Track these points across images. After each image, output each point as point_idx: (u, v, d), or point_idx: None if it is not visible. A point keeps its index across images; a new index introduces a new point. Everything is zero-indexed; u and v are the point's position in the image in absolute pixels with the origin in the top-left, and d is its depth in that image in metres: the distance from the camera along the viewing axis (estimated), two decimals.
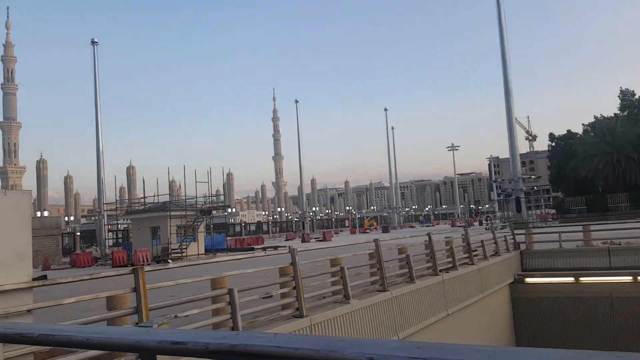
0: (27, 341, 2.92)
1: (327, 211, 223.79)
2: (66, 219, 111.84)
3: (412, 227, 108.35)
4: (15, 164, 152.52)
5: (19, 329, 2.97)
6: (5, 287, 5.86)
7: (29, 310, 6.13)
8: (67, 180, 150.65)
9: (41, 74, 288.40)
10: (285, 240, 67.66)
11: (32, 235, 6.33)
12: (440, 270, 16.94)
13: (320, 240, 58.37)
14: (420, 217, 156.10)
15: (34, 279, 6.54)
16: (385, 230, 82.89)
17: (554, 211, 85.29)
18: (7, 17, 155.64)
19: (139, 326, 5.01)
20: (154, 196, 45.93)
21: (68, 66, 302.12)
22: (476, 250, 21.29)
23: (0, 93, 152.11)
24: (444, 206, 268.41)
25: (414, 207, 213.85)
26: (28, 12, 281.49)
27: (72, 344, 2.61)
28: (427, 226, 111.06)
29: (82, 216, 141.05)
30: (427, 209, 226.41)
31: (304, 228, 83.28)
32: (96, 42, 49.33)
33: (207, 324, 8.20)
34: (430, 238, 16.81)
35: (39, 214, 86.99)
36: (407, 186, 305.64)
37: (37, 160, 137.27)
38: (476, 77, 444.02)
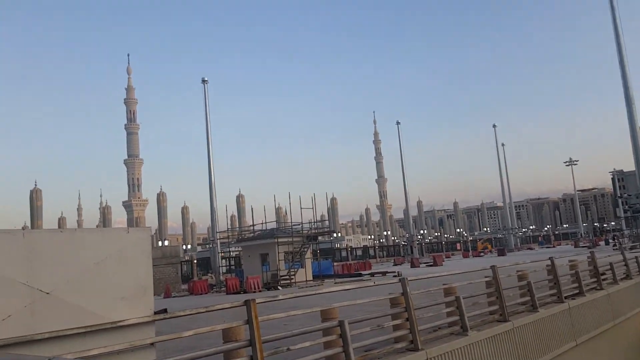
0: None
1: (435, 234, 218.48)
2: (184, 247, 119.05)
3: (531, 249, 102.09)
4: (138, 197, 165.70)
5: None
6: (130, 321, 6.12)
7: (152, 344, 6.35)
8: (184, 211, 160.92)
9: (158, 111, 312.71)
10: (394, 265, 66.59)
11: (154, 264, 6.70)
12: (565, 297, 15.60)
13: (431, 265, 56.65)
14: (539, 237, 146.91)
15: (155, 312, 6.80)
16: (501, 253, 78.88)
17: None
18: (128, 63, 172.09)
19: None
20: (262, 223, 47.49)
21: (182, 101, 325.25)
22: (604, 273, 19.44)
23: (124, 133, 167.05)
24: (564, 225, 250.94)
25: (531, 227, 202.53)
26: (143, 55, 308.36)
27: None
28: (547, 247, 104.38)
29: (198, 244, 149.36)
30: (545, 228, 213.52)
31: (412, 252, 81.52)
32: (206, 81, 52.60)
33: (319, 357, 8.04)
34: (553, 262, 15.56)
35: (160, 243, 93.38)
36: (522, 205, 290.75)
37: (157, 194, 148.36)
38: (592, 86, 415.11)
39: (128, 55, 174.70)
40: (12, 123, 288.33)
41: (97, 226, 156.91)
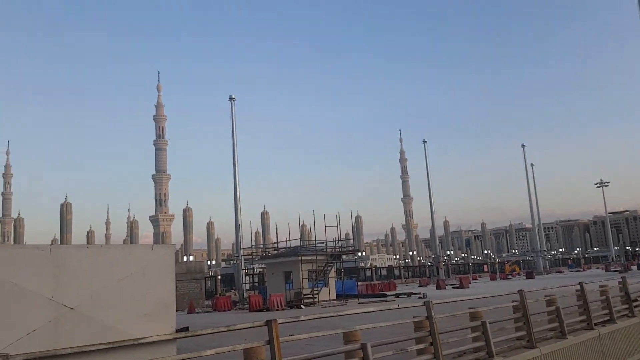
0: None
1: (462, 255, 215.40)
2: (208, 262, 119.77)
3: (560, 272, 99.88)
4: (165, 212, 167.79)
5: None
6: (151, 338, 6.13)
7: None
8: (209, 227, 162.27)
9: (185, 126, 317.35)
10: (419, 287, 65.69)
11: (178, 279, 6.77)
12: (595, 324, 15.12)
13: (457, 287, 55.73)
14: (569, 261, 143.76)
15: (177, 330, 6.83)
16: (529, 276, 77.21)
17: None
18: (158, 81, 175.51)
19: None
20: (286, 241, 47.49)
21: (208, 118, 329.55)
22: (637, 299, 18.80)
23: (153, 149, 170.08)
24: (595, 248, 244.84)
25: (560, 250, 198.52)
26: (172, 71, 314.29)
27: None
28: (576, 271, 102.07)
29: (222, 260, 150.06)
30: (575, 251, 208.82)
31: (438, 273, 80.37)
32: (233, 98, 53.24)
33: None
34: (582, 287, 15.13)
35: (185, 258, 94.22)
36: (551, 227, 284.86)
37: (183, 209, 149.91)
38: (625, 106, 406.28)
39: (158, 73, 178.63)
40: (44, 137, 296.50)
41: (124, 240, 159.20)
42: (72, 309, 5.79)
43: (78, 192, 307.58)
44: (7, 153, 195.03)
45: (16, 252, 5.68)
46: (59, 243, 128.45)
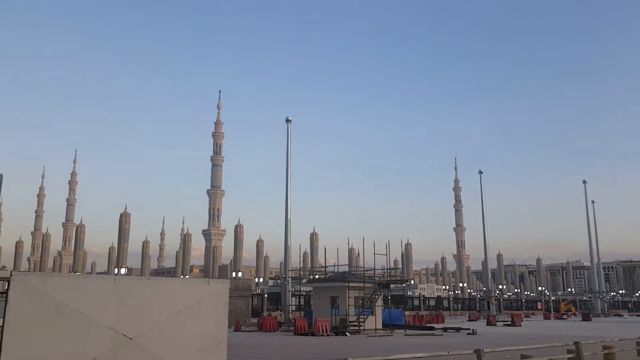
0: None
1: (515, 290, 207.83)
2: (256, 280, 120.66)
3: (619, 315, 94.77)
4: (217, 227, 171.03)
5: None
6: None
7: None
8: (259, 244, 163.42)
9: (240, 143, 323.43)
10: (468, 321, 63.79)
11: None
12: None
13: (509, 324, 53.71)
14: (629, 304, 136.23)
15: None
16: (585, 317, 73.57)
17: None
18: (219, 99, 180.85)
19: None
20: (334, 265, 47.36)
21: (263, 136, 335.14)
22: None
23: (209, 164, 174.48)
24: None
25: (620, 291, 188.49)
26: (231, 88, 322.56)
27: None
28: (637, 315, 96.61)
29: (270, 278, 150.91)
30: (637, 294, 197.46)
31: (488, 308, 77.68)
32: (290, 120, 54.06)
33: None
34: None
35: (234, 274, 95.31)
36: (612, 267, 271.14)
37: (235, 225, 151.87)
38: None
39: (219, 91, 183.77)
40: (109, 148, 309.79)
41: (177, 252, 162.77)
42: (131, 339, 6.01)
43: (137, 202, 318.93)
44: (75, 161, 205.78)
45: (82, 281, 5.97)
46: (117, 251, 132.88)
